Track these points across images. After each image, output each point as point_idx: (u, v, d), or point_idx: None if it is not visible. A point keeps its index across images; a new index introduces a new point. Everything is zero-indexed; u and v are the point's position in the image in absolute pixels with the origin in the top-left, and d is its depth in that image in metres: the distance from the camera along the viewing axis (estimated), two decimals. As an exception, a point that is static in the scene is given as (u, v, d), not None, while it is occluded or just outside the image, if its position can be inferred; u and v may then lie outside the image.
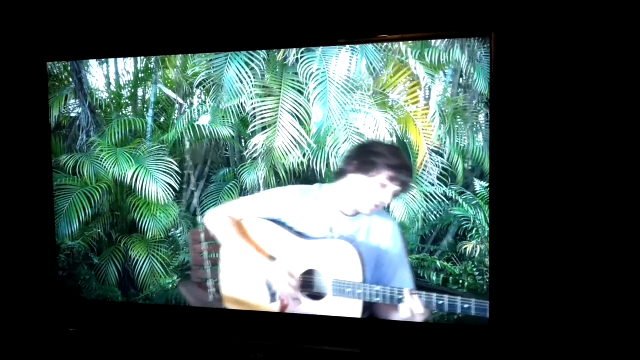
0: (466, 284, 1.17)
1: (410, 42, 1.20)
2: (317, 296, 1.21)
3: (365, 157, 1.17)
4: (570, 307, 1.22)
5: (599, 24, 1.17)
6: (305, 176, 1.30)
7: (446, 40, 1.17)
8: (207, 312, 1.41)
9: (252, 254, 1.26)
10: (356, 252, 1.15)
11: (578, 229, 1.21)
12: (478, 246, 1.16)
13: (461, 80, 1.16)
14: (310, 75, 1.28)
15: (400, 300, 1.10)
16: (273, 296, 1.25)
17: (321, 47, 1.26)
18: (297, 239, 1.22)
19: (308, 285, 1.22)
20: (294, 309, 1.19)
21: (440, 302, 1.09)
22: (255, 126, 1.34)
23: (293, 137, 1.31)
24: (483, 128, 1.16)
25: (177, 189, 1.43)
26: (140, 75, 1.48)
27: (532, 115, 1.21)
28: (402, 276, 1.16)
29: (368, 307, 1.15)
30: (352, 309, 1.16)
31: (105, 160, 1.50)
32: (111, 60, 1.49)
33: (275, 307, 1.26)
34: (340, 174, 1.19)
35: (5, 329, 1.63)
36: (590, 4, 1.16)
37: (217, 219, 1.33)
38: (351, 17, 1.30)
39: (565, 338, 1.22)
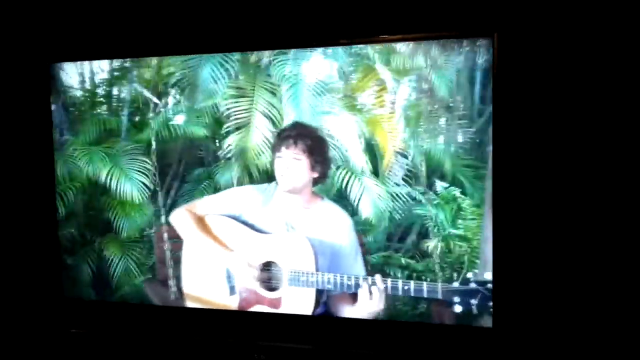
0: (428, 279, 1.29)
1: (377, 48, 1.30)
2: (274, 287, 1.38)
3: (278, 143, 1.36)
4: (574, 308, 1.28)
5: (601, 24, 1.21)
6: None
7: (410, 47, 1.28)
8: (210, 312, 1.47)
9: (213, 249, 1.42)
10: (309, 244, 1.32)
11: (582, 230, 1.26)
12: (438, 243, 1.28)
13: (424, 86, 1.27)
14: (283, 77, 1.38)
15: (350, 287, 1.27)
16: (232, 289, 1.41)
17: (293, 50, 1.36)
18: (255, 234, 1.39)
19: (266, 276, 1.39)
20: (252, 301, 1.38)
21: (407, 288, 1.26)
22: (229, 126, 1.44)
23: (266, 138, 1.41)
24: (444, 132, 1.27)
25: (152, 189, 1.52)
26: (115, 74, 1.58)
27: (534, 116, 1.27)
28: (354, 270, 1.32)
29: (321, 296, 1.33)
30: (307, 297, 1.33)
31: (79, 159, 1.58)
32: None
33: (234, 300, 1.41)
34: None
35: (8, 330, 1.68)
36: (592, 4, 1.21)
37: (181, 217, 1.47)
38: (352, 17, 1.36)
39: (569, 339, 1.28)
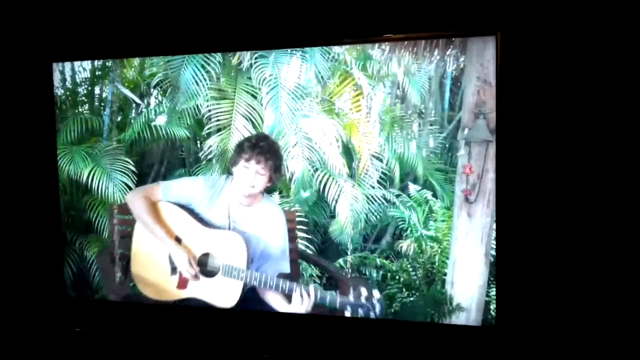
0: (402, 279, 1.36)
1: (354, 53, 1.36)
2: (210, 274, 1.49)
3: (240, 150, 1.45)
4: (576, 306, 1.31)
5: (603, 23, 1.24)
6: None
7: (385, 54, 1.33)
8: (212, 311, 1.50)
9: (161, 233, 1.52)
10: (244, 243, 1.45)
11: (583, 230, 1.28)
12: (412, 244, 1.35)
13: (398, 92, 1.34)
14: (263, 80, 1.43)
15: (272, 287, 1.41)
16: (174, 270, 1.52)
17: (273, 54, 1.42)
18: (199, 226, 1.49)
19: (204, 264, 1.50)
20: (191, 282, 1.51)
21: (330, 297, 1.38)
22: (210, 128, 1.49)
23: None
24: (416, 136, 1.34)
25: (134, 189, 1.56)
26: (97, 73, 1.61)
27: (537, 115, 1.30)
28: (279, 266, 1.45)
29: (248, 288, 1.47)
30: (236, 288, 1.47)
31: (61, 158, 1.61)
32: (66, 56, 1.63)
33: (174, 279, 1.53)
34: (229, 168, 1.47)
35: (10, 329, 1.71)
36: (594, 3, 1.24)
37: (136, 199, 1.55)
38: (357, 16, 1.40)
39: (570, 337, 1.31)
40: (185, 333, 1.59)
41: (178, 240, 1.51)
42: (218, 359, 1.52)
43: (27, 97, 1.70)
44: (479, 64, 1.27)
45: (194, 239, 1.50)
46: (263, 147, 1.43)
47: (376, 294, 1.37)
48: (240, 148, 1.45)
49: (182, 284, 1.51)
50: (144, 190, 1.54)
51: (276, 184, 1.45)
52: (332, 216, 1.43)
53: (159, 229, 1.51)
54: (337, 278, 1.43)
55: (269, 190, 1.46)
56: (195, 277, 1.49)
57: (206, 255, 1.49)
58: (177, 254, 1.50)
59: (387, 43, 1.35)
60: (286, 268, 1.44)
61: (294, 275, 1.45)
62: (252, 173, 1.43)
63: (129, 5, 1.60)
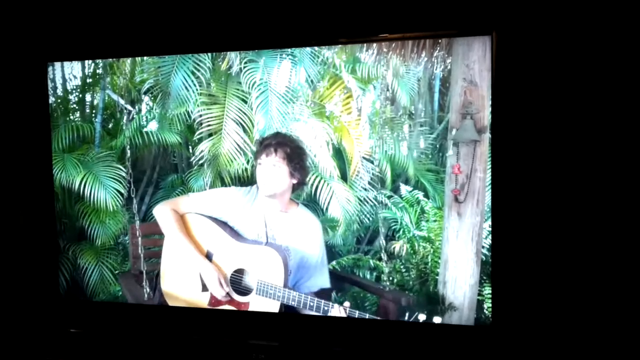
0: (395, 280, 1.37)
1: (343, 56, 1.37)
2: (244, 292, 1.45)
3: (254, 154, 1.43)
4: (573, 305, 1.33)
5: (600, 22, 1.26)
6: (249, 182, 1.46)
7: (374, 56, 1.35)
8: (209, 312, 1.49)
9: (189, 249, 1.47)
10: (280, 259, 1.40)
11: (578, 228, 1.31)
12: (404, 245, 1.36)
13: (388, 94, 1.35)
14: (253, 85, 1.44)
15: (312, 308, 1.35)
16: (205, 286, 1.47)
17: (263, 58, 1.44)
18: (232, 240, 1.45)
19: (237, 282, 1.46)
20: (222, 301, 1.46)
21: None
22: (201, 133, 1.50)
23: (237, 144, 1.47)
24: (407, 137, 1.35)
25: (126, 195, 1.57)
26: (88, 80, 1.63)
27: (532, 114, 1.31)
28: (319, 280, 1.40)
29: (286, 308, 1.41)
30: (273, 305, 1.41)
31: (53, 166, 1.63)
32: (57, 64, 1.61)
33: (205, 297, 1.48)
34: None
35: (8, 329, 1.70)
36: (590, 2, 1.26)
37: (163, 212, 1.51)
38: (352, 15, 1.40)
39: (567, 336, 1.32)
40: (182, 334, 1.59)
41: (209, 256, 1.46)
42: (215, 359, 1.52)
43: (21, 100, 1.69)
44: (464, 65, 1.28)
45: (226, 254, 1.45)
46: (272, 141, 1.40)
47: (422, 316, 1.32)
48: (254, 153, 1.44)
49: (215, 302, 1.45)
50: (171, 202, 1.51)
51: (303, 179, 1.39)
52: (325, 219, 1.44)
53: (187, 244, 1.46)
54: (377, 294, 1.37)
55: (297, 188, 1.41)
56: (227, 296, 1.44)
57: (239, 271, 1.44)
58: (206, 273, 1.45)
59: (374, 46, 1.37)
60: (325, 282, 1.38)
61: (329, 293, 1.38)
62: (267, 167, 1.40)
63: (122, 6, 1.60)
